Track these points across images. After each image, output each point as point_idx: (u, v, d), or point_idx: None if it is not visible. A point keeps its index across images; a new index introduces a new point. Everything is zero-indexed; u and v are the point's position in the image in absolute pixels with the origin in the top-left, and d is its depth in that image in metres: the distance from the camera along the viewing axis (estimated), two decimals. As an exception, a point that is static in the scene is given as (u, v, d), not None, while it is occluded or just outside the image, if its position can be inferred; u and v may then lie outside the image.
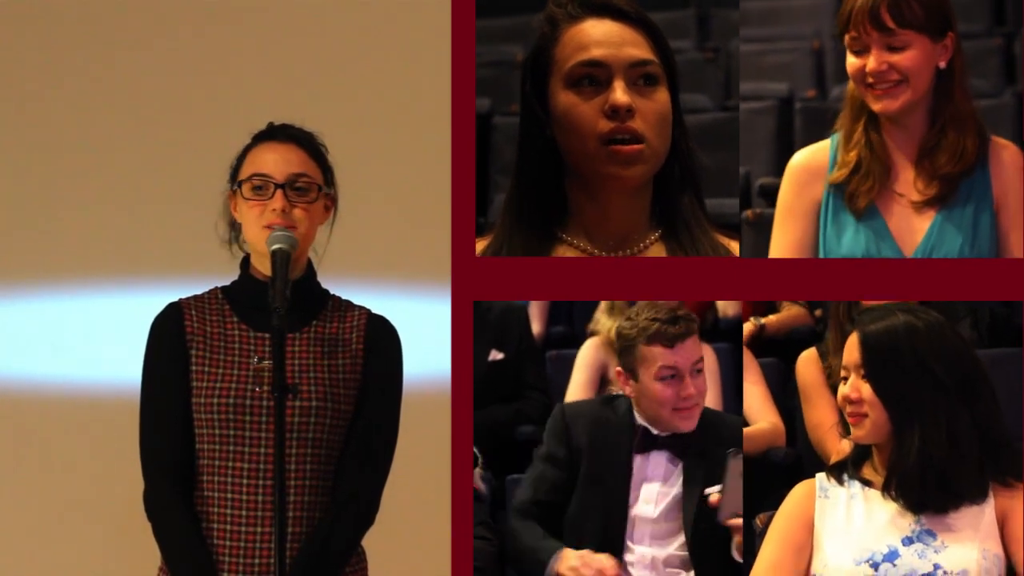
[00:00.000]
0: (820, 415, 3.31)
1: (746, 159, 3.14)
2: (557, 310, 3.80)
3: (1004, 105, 3.77)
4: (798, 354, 3.41)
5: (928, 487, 2.78)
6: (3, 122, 4.26)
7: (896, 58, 3.03)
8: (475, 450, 3.30)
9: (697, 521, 3.14)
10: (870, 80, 3.04)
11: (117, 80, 4.24)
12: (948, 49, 3.05)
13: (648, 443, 3.22)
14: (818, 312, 3.43)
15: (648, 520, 3.16)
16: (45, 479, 4.21)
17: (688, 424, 3.21)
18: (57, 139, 4.24)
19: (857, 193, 3.09)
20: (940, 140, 3.07)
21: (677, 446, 3.22)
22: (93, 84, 4.24)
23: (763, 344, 3.57)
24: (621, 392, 3.29)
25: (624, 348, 3.22)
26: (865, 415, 2.83)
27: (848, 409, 2.85)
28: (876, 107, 3.07)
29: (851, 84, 3.11)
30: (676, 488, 3.18)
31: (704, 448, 3.21)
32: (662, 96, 2.80)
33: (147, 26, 4.24)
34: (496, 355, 3.81)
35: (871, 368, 2.83)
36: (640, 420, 3.23)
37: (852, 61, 3.07)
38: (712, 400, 3.45)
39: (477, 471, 3.29)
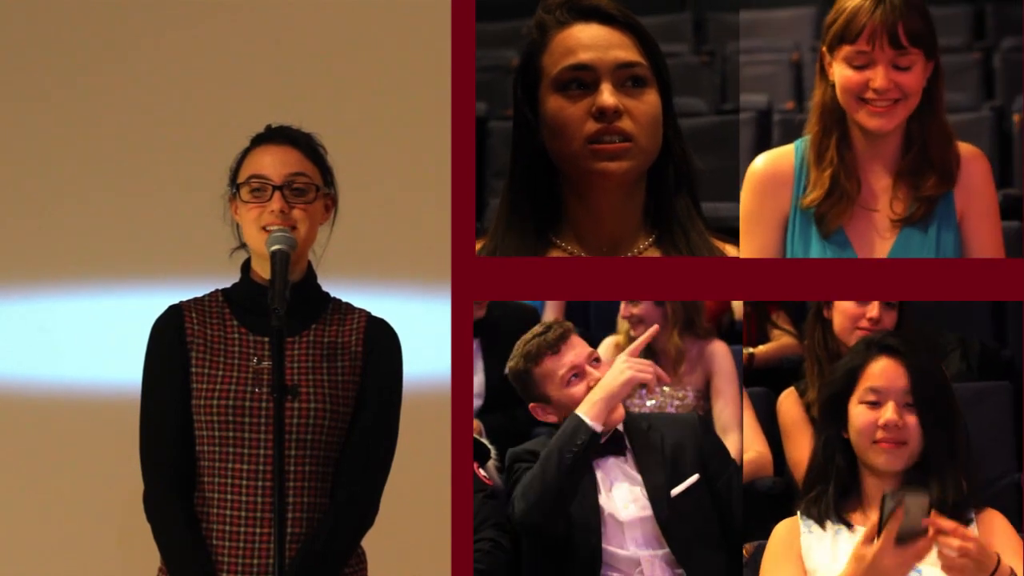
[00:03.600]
0: (802, 453, 3.27)
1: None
2: (574, 313, 3.77)
3: (982, 119, 3.78)
4: (788, 384, 3.41)
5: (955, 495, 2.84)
6: (3, 122, 4.26)
7: (902, 77, 3.01)
8: (486, 443, 3.29)
9: (670, 524, 3.11)
10: (870, 96, 3.02)
11: (117, 81, 4.24)
12: (929, 69, 3.03)
13: (596, 448, 3.16)
14: (806, 341, 3.43)
15: (636, 522, 3.14)
16: (45, 480, 4.21)
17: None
18: (57, 139, 4.23)
19: (828, 216, 3.08)
20: (922, 161, 3.06)
21: (618, 446, 3.17)
22: (93, 85, 4.24)
23: (753, 374, 3.56)
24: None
25: (524, 384, 3.20)
26: (905, 443, 2.87)
27: (883, 435, 2.88)
28: (871, 124, 3.03)
29: (819, 95, 3.09)
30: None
31: (652, 446, 3.17)
32: (651, 98, 2.80)
33: (147, 27, 4.24)
34: None
35: (921, 397, 2.88)
36: None
37: (849, 75, 3.03)
38: (732, 396, 3.43)
39: (491, 463, 3.28)
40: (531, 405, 3.21)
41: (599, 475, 3.16)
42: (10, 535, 4.21)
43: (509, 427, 3.58)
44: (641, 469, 3.16)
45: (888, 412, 2.89)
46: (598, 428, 3.05)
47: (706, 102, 3.93)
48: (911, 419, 2.89)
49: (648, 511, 3.13)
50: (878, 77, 3.00)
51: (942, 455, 2.87)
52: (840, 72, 3.04)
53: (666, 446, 3.18)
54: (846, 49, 3.02)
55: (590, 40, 2.79)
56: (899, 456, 2.89)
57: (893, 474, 2.90)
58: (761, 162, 3.15)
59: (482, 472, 3.23)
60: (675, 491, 3.14)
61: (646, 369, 3.09)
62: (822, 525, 2.90)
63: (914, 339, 3.00)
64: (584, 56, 2.78)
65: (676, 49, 3.93)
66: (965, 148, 3.11)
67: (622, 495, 3.15)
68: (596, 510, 3.12)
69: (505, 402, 3.69)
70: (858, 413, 2.92)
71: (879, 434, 2.89)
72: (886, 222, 3.09)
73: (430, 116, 3.78)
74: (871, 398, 2.91)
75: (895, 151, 3.08)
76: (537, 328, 3.20)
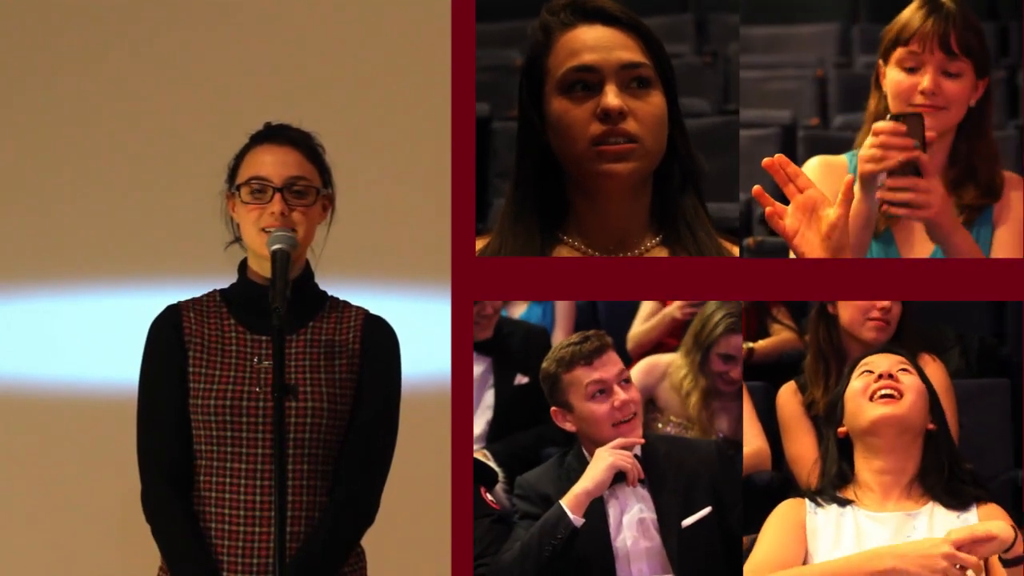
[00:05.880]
0: (800, 448, 3.31)
1: (747, 186, 3.12)
2: (583, 322, 3.75)
3: (1007, 138, 3.77)
4: (788, 379, 3.41)
5: (959, 481, 2.93)
6: (3, 122, 4.26)
7: (950, 84, 3.07)
8: (494, 466, 3.28)
9: (681, 555, 3.10)
10: (918, 99, 3.06)
11: (116, 79, 4.24)
12: (979, 90, 3.10)
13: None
14: (807, 337, 3.44)
15: (643, 551, 3.14)
16: (44, 479, 4.21)
17: (634, 438, 3.17)
18: (57, 139, 4.24)
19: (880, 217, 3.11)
20: (965, 176, 3.11)
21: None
22: (92, 84, 4.24)
23: (752, 368, 3.56)
24: (566, 449, 3.26)
25: (551, 387, 3.19)
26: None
27: (882, 384, 3.00)
28: None
29: (872, 104, 3.14)
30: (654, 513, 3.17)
31: (667, 473, 3.16)
32: (656, 99, 2.79)
33: (146, 26, 4.24)
34: (521, 379, 3.78)
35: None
36: (591, 458, 3.17)
37: (900, 78, 3.08)
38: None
39: (499, 487, 3.27)
40: (553, 409, 3.19)
41: (611, 501, 3.16)
42: (10, 535, 4.21)
43: (517, 452, 3.58)
44: (655, 496, 3.15)
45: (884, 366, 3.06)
46: (579, 523, 3.06)
47: (708, 103, 3.92)
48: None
49: (657, 540, 3.13)
50: (926, 79, 3.06)
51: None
52: (892, 77, 3.10)
53: (682, 474, 3.17)
54: (899, 52, 3.09)
55: (594, 41, 2.77)
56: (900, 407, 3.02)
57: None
58: (818, 158, 3.19)
59: (489, 497, 3.22)
60: (686, 522, 3.13)
61: (627, 458, 3.11)
62: (819, 505, 2.97)
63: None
64: (588, 58, 2.77)
65: (678, 50, 3.92)
66: (1006, 174, 3.16)
67: (632, 522, 3.14)
68: (605, 538, 3.12)
69: (510, 424, 3.68)
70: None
71: (882, 383, 3.01)
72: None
73: (430, 115, 3.78)
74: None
75: (940, 164, 3.12)
76: (575, 336, 3.19)
